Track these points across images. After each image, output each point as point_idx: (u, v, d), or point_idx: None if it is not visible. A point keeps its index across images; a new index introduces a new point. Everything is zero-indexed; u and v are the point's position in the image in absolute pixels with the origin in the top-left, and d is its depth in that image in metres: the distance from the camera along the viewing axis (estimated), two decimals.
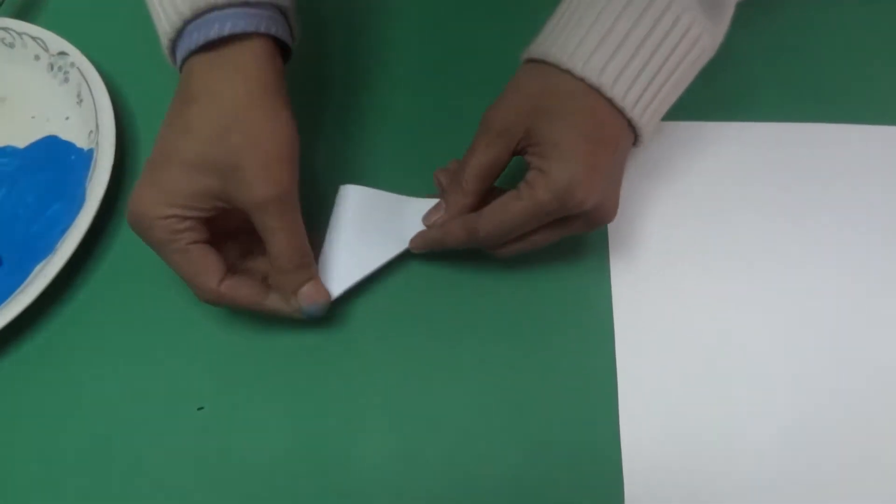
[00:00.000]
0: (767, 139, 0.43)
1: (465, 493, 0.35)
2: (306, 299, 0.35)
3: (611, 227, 0.40)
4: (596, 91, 0.33)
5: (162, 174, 0.33)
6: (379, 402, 0.37)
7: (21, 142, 0.46)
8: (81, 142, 0.45)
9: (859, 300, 0.38)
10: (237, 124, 0.33)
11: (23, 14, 0.51)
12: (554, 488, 0.34)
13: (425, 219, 0.38)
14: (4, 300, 0.39)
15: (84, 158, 0.43)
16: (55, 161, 0.44)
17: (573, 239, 0.40)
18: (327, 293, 0.36)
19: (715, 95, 0.45)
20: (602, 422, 0.36)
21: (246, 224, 0.34)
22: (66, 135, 0.45)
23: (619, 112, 0.34)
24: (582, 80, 0.33)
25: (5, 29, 0.48)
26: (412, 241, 0.38)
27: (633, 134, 0.35)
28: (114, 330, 0.39)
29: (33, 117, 0.47)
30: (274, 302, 0.36)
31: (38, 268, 0.40)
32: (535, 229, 0.35)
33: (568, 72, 0.33)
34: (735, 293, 0.38)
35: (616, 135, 0.34)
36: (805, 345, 0.37)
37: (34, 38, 0.47)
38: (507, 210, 0.34)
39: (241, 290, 0.35)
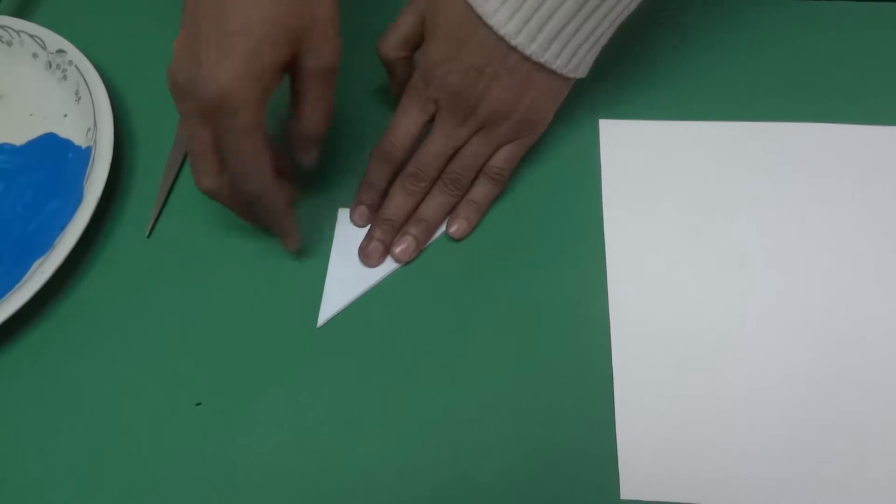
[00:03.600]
0: (764, 139, 0.43)
1: (462, 490, 0.35)
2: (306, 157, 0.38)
3: (608, 224, 0.41)
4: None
5: (237, 49, 0.30)
6: (377, 399, 0.37)
7: (19, 139, 0.46)
8: (79, 139, 0.45)
9: (857, 298, 0.38)
10: None
11: (21, 12, 0.51)
12: (551, 487, 0.35)
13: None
14: (2, 297, 0.39)
15: (82, 156, 0.43)
16: (53, 158, 0.45)
17: (571, 234, 0.41)
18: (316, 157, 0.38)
19: (712, 95, 0.45)
20: (598, 420, 0.36)
21: None
22: (64, 132, 0.45)
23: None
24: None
25: (3, 27, 0.48)
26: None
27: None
28: (111, 326, 0.40)
29: (31, 115, 0.47)
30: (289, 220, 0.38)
31: (35, 265, 0.40)
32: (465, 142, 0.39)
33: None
34: (733, 292, 0.39)
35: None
36: (803, 346, 0.37)
37: (32, 36, 0.47)
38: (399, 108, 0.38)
39: (283, 192, 0.36)
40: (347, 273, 0.40)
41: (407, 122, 0.39)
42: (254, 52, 0.30)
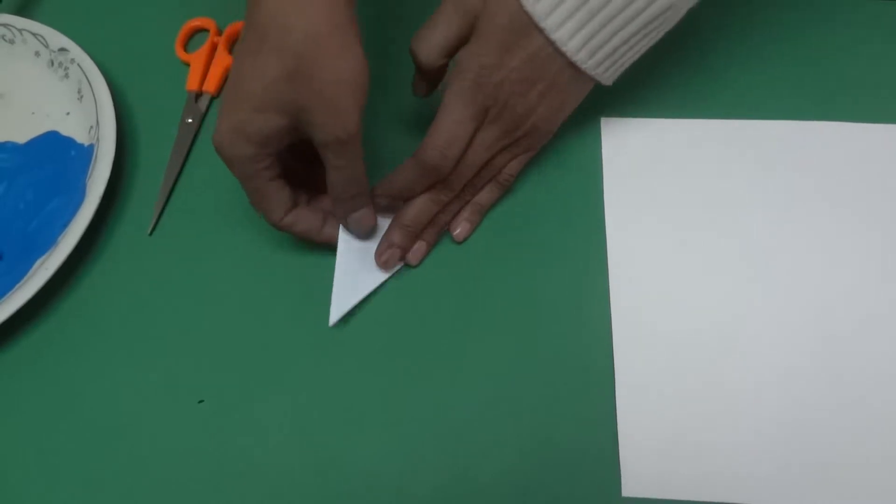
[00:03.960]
0: (767, 137, 0.43)
1: (464, 489, 0.35)
2: (354, 223, 0.39)
3: (609, 223, 0.41)
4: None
5: (237, 114, 0.34)
6: (378, 398, 0.37)
7: (21, 137, 0.46)
8: (82, 137, 0.45)
9: (859, 296, 0.38)
10: (305, 65, 0.32)
11: (23, 11, 0.51)
12: (552, 485, 0.35)
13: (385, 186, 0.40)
14: (5, 295, 0.39)
15: (84, 154, 0.43)
16: (55, 157, 0.45)
17: (573, 233, 0.41)
18: (374, 219, 0.39)
19: (714, 93, 0.45)
20: (600, 418, 0.36)
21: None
22: (66, 131, 0.46)
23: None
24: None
25: (6, 25, 0.48)
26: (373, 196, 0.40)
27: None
28: (113, 324, 0.40)
29: (33, 113, 0.47)
30: (328, 233, 0.39)
31: (38, 262, 0.40)
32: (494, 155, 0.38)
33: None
34: (735, 290, 0.39)
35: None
36: (804, 344, 0.37)
37: (34, 35, 0.47)
38: (441, 111, 0.36)
39: (300, 223, 0.38)
40: (356, 269, 0.39)
41: (462, 132, 0.36)
42: (245, 119, 0.34)
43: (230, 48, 0.49)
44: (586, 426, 0.36)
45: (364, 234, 0.39)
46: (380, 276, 0.40)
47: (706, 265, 0.39)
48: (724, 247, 0.40)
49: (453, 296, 0.39)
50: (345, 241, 0.40)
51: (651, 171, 0.42)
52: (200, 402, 0.37)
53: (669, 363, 0.37)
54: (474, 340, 0.38)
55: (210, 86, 0.47)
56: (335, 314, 0.38)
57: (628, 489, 0.34)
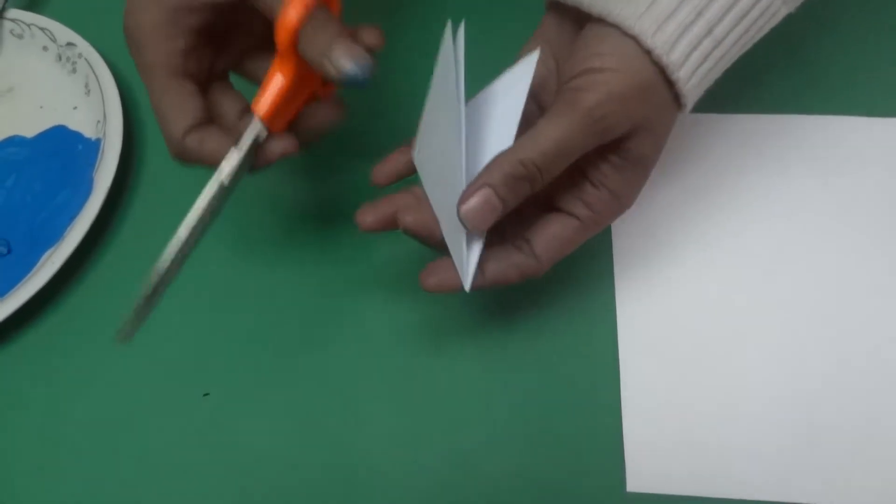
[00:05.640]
0: (771, 131, 0.43)
1: (468, 483, 0.35)
2: (343, 57, 0.27)
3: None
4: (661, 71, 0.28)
5: None
6: (382, 390, 0.37)
7: (29, 131, 0.46)
8: (89, 131, 0.45)
9: (864, 291, 0.38)
10: None
11: (31, 5, 0.51)
12: (557, 480, 0.35)
13: (468, 213, 0.29)
14: (13, 287, 0.39)
15: (91, 148, 0.44)
16: (63, 150, 0.45)
17: None
18: (363, 52, 0.28)
19: (718, 87, 0.45)
20: (605, 413, 0.36)
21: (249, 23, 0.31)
22: (73, 124, 0.46)
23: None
24: (661, 67, 0.28)
25: (14, 20, 0.48)
26: (427, 277, 0.31)
27: None
28: (119, 316, 0.40)
29: (41, 107, 0.47)
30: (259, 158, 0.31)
31: (46, 255, 0.41)
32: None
33: (648, 52, 0.27)
34: (739, 287, 0.38)
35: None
36: (810, 341, 0.37)
37: (42, 29, 0.48)
38: (573, 241, 0.31)
39: (206, 143, 0.30)
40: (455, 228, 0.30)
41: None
42: None
43: None
44: (591, 421, 0.36)
45: (364, 71, 0.28)
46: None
47: (711, 262, 0.39)
48: (729, 244, 0.40)
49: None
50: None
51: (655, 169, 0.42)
52: (206, 395, 0.38)
53: (674, 359, 0.37)
54: (479, 336, 0.38)
55: None
56: (467, 277, 0.31)
57: (633, 484, 0.34)
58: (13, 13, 0.49)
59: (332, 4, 0.30)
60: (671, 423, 0.35)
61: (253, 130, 0.30)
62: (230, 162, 0.30)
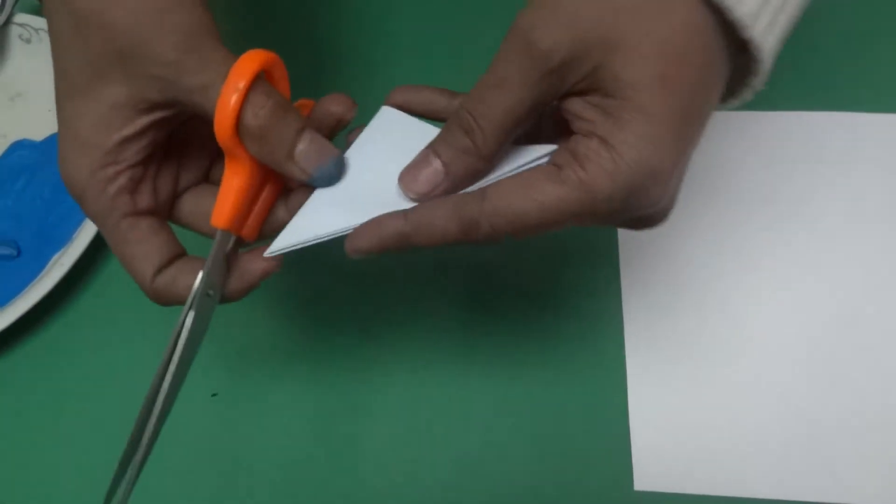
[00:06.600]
0: (776, 128, 0.43)
1: (475, 483, 0.35)
2: (306, 160, 0.25)
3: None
4: None
5: (79, 116, 0.25)
6: (390, 391, 0.37)
7: (39, 135, 0.46)
8: None
9: (869, 290, 0.38)
10: (133, 40, 0.23)
11: (40, 10, 0.52)
12: (565, 479, 0.35)
13: (406, 178, 0.25)
14: (23, 289, 0.39)
15: None
16: None
17: (582, 234, 0.40)
18: (331, 146, 0.26)
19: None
20: (612, 413, 0.36)
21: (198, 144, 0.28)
22: None
23: (727, 32, 0.21)
24: None
25: (23, 25, 0.49)
26: (352, 238, 0.25)
27: (726, 75, 0.23)
28: (128, 318, 0.40)
29: (50, 111, 0.47)
30: (234, 284, 0.27)
31: (55, 257, 0.41)
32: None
33: None
34: (747, 285, 0.38)
35: (716, 76, 0.22)
36: (815, 340, 0.37)
37: None
38: (535, 199, 0.22)
39: (180, 281, 0.26)
40: (333, 201, 0.27)
41: None
42: (94, 111, 0.25)
43: None
44: (598, 421, 0.36)
45: (331, 170, 0.26)
46: (356, 217, 0.25)
47: (716, 260, 0.39)
48: (734, 241, 0.40)
49: (468, 291, 0.39)
50: (368, 136, 0.28)
51: None
52: (214, 395, 0.38)
53: (681, 358, 0.37)
54: (486, 334, 0.38)
55: None
56: (278, 245, 0.27)
57: (640, 483, 0.34)
58: (21, 18, 0.49)
59: (279, 82, 0.26)
60: (678, 422, 0.35)
61: (218, 248, 0.26)
62: (190, 297, 0.26)
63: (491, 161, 0.24)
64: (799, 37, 0.45)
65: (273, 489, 0.35)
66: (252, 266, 0.27)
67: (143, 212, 0.26)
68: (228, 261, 0.27)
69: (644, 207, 0.23)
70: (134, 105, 0.24)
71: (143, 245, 0.26)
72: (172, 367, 0.27)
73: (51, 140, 0.46)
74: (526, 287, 0.39)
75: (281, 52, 0.25)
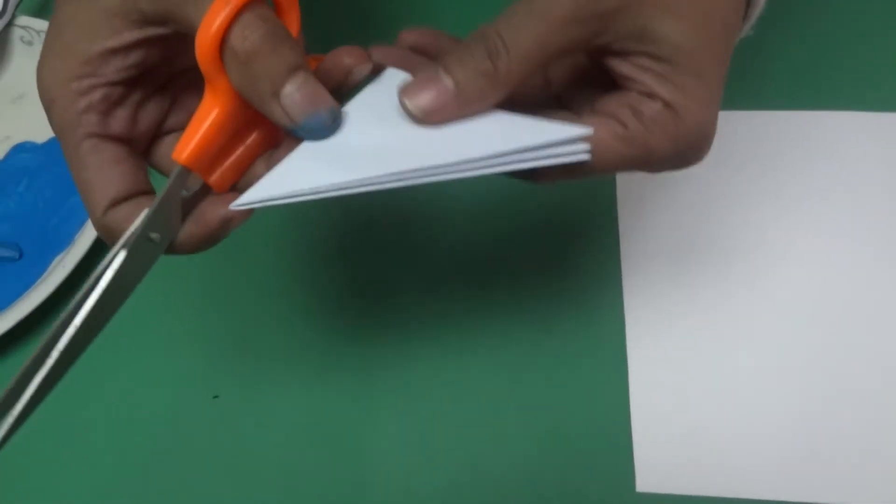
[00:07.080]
0: (775, 128, 0.42)
1: (476, 484, 0.35)
2: (292, 103, 0.22)
3: (621, 217, 0.40)
4: None
5: (70, 20, 0.23)
6: (390, 391, 0.37)
7: (41, 137, 0.47)
8: None
9: (870, 290, 0.38)
10: None
11: (41, 12, 0.52)
12: (567, 480, 0.35)
13: (409, 92, 0.23)
14: (25, 291, 0.39)
15: None
16: None
17: (583, 228, 0.40)
18: (326, 94, 0.23)
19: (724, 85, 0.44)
20: (613, 414, 0.36)
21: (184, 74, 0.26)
22: None
23: None
24: None
25: (24, 27, 0.49)
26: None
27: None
28: (130, 319, 0.40)
29: None
30: (187, 228, 0.24)
31: (56, 259, 0.41)
32: None
33: None
34: (748, 285, 0.38)
35: (737, 35, 0.24)
36: (818, 339, 0.37)
37: None
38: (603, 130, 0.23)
39: (134, 220, 0.23)
40: (317, 155, 0.24)
41: None
42: (84, 19, 0.24)
43: None
44: (600, 421, 0.36)
45: (323, 121, 0.23)
46: (343, 174, 0.23)
47: (717, 259, 0.39)
48: (734, 241, 0.39)
49: (469, 287, 0.39)
50: (368, 92, 0.26)
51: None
52: (215, 397, 0.38)
53: (683, 358, 0.37)
54: (489, 332, 0.38)
55: None
56: (247, 197, 0.23)
57: (643, 484, 0.34)
58: (23, 20, 0.49)
59: (287, 14, 0.24)
60: (680, 423, 0.35)
61: (173, 186, 0.23)
62: (126, 235, 0.22)
63: (505, 94, 0.23)
64: (799, 36, 0.45)
65: (275, 491, 0.35)
66: (212, 210, 0.24)
67: (113, 137, 0.24)
68: (189, 207, 0.24)
69: (691, 162, 0.24)
70: (125, 14, 0.22)
71: (101, 172, 0.24)
72: (78, 319, 0.23)
73: (53, 142, 0.46)
74: (526, 287, 0.39)
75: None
